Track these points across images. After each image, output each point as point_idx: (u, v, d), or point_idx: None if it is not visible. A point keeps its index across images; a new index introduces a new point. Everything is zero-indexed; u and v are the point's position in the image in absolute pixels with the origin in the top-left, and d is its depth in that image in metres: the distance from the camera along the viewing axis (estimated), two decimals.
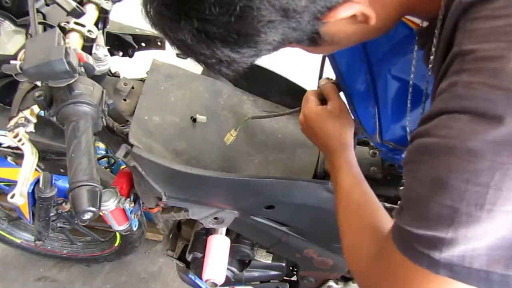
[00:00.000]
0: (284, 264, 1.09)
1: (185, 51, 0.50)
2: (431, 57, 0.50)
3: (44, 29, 0.83)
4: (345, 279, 1.12)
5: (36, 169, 0.66)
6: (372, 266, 0.53)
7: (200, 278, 0.96)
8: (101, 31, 0.85)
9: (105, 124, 0.70)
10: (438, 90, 0.43)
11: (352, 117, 0.75)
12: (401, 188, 0.61)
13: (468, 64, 0.40)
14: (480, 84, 0.38)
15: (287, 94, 1.00)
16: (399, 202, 0.49)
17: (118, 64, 0.98)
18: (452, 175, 0.40)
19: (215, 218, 0.89)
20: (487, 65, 0.38)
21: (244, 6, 0.42)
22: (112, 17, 0.88)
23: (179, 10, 0.45)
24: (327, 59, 0.83)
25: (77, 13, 0.76)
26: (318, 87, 0.83)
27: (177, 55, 0.96)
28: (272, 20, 0.44)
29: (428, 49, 0.51)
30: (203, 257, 0.95)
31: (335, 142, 0.71)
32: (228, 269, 1.03)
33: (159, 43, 1.01)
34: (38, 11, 0.85)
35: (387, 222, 0.58)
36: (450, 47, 0.43)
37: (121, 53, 1.01)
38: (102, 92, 0.67)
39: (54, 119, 0.65)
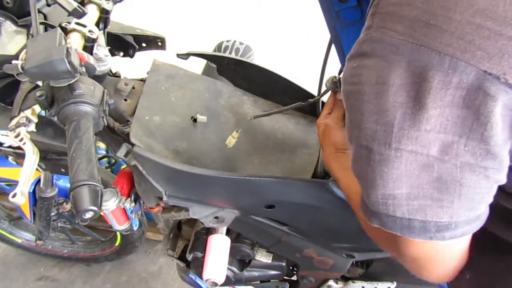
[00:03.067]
0: (284, 264, 1.09)
1: None
2: None
3: (45, 29, 0.84)
4: (345, 279, 1.12)
5: (37, 169, 0.66)
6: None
7: (201, 277, 0.96)
8: (102, 31, 0.85)
9: (106, 124, 0.70)
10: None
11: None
12: None
13: (381, 8, 0.42)
14: (388, 29, 0.41)
15: (287, 94, 1.00)
16: None
17: (119, 64, 0.99)
18: (364, 118, 0.44)
19: (216, 218, 0.89)
20: (396, 11, 0.41)
21: None
22: (113, 17, 0.89)
23: None
24: (327, 60, 0.83)
25: (78, 14, 0.76)
26: (325, 85, 0.84)
27: (178, 55, 0.97)
28: None
29: None
30: (204, 256, 0.95)
31: (326, 151, 0.76)
32: (228, 268, 1.03)
33: (159, 43, 1.02)
34: (39, 11, 0.85)
35: None
36: None
37: (121, 53, 1.02)
38: (103, 92, 0.67)
39: (55, 118, 0.65)
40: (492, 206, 0.50)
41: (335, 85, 0.81)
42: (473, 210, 0.45)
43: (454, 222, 0.45)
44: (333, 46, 0.83)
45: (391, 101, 0.41)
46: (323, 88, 0.86)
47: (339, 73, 0.80)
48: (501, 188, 0.48)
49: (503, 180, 0.45)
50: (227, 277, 1.03)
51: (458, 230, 0.45)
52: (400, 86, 0.41)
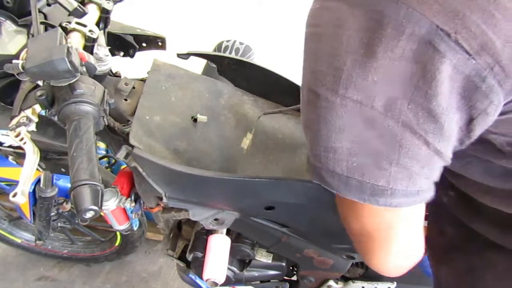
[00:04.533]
0: (284, 264, 1.09)
1: None
2: None
3: (46, 29, 0.84)
4: (345, 279, 1.12)
5: (37, 169, 0.66)
6: None
7: (201, 277, 0.96)
8: (102, 31, 0.85)
9: (106, 124, 0.70)
10: None
11: None
12: None
13: None
14: None
15: (287, 94, 1.00)
16: None
17: (119, 64, 0.99)
18: (317, 61, 0.44)
19: (216, 219, 0.89)
20: None
21: None
22: (113, 17, 0.89)
23: None
24: None
25: (78, 13, 0.76)
26: None
27: (178, 55, 0.97)
28: None
29: None
30: (204, 256, 0.95)
31: None
32: (228, 268, 1.03)
33: (159, 43, 1.02)
34: (39, 11, 0.85)
35: None
36: None
37: (122, 53, 1.01)
38: (104, 91, 0.67)
39: (56, 118, 0.65)
40: (469, 202, 0.50)
41: None
42: (411, 181, 0.44)
43: (390, 188, 0.44)
44: None
45: (345, 45, 0.41)
46: None
47: None
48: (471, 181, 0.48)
49: (445, 154, 0.44)
50: (227, 277, 1.03)
51: (393, 199, 0.45)
52: (355, 31, 0.40)
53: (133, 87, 0.89)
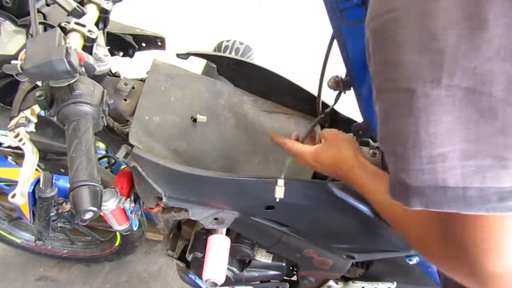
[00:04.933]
0: (284, 264, 1.09)
1: None
2: None
3: (45, 29, 0.83)
4: (345, 279, 1.12)
5: (36, 169, 0.66)
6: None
7: (200, 278, 0.96)
8: (101, 31, 0.85)
9: (105, 124, 0.70)
10: None
11: (351, 136, 0.78)
12: None
13: None
14: None
15: (287, 94, 1.00)
16: None
17: (119, 64, 0.99)
18: (403, 51, 0.35)
19: (215, 219, 0.89)
20: None
21: None
22: (112, 17, 0.89)
23: None
24: (328, 59, 0.83)
25: (77, 13, 0.76)
26: (327, 84, 0.84)
27: (177, 55, 0.97)
28: None
29: None
30: (203, 257, 0.95)
31: (342, 168, 0.69)
32: (228, 269, 1.03)
33: (159, 43, 1.01)
34: (38, 11, 0.85)
35: None
36: None
37: (121, 53, 1.01)
38: (103, 92, 0.67)
39: (55, 119, 0.65)
40: None
41: (337, 84, 0.81)
42: None
43: None
44: (334, 46, 0.83)
45: (441, 21, 0.32)
46: (324, 88, 0.86)
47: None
48: None
49: None
50: (227, 277, 1.03)
51: None
52: (452, 1, 0.32)
53: (133, 87, 0.89)
